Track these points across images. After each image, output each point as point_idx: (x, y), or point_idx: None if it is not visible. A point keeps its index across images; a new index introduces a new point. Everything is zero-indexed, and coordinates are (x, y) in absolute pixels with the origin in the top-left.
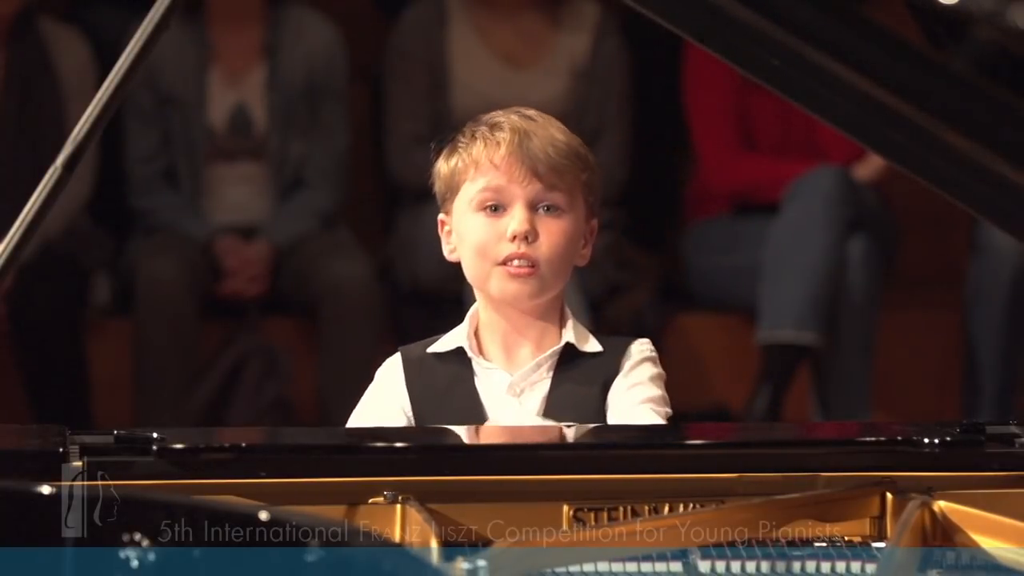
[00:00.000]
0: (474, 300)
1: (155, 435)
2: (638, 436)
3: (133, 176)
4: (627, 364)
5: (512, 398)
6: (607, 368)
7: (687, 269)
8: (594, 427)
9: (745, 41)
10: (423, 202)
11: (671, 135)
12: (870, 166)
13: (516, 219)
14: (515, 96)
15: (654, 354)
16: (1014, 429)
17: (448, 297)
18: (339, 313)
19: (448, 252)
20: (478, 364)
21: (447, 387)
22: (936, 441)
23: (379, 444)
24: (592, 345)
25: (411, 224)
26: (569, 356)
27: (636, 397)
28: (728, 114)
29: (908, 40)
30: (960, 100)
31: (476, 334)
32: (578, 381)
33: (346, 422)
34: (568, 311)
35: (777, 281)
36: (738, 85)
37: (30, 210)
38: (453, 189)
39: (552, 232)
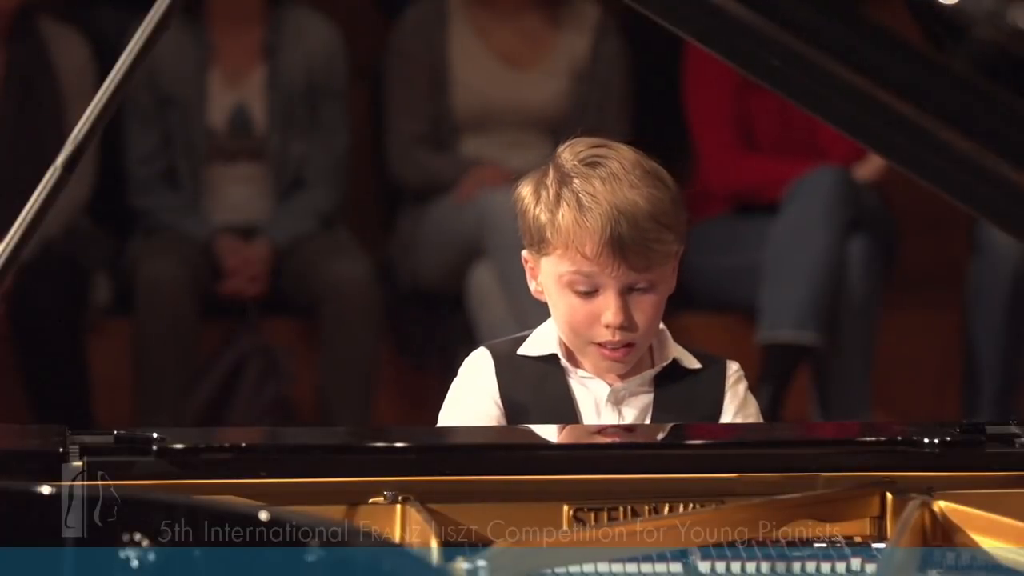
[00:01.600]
0: (474, 300)
1: (155, 435)
2: (638, 436)
3: (133, 176)
4: (732, 395)
5: (612, 407)
6: (709, 389)
7: (687, 269)
8: (594, 427)
9: (745, 41)
10: (423, 202)
11: (671, 135)
12: (870, 166)
13: (610, 310)
14: (515, 96)
15: (746, 380)
16: (1014, 429)
17: (448, 297)
18: (339, 313)
19: (534, 291)
20: (573, 373)
21: (540, 389)
22: (936, 441)
23: (379, 444)
24: (692, 362)
25: (411, 224)
26: (670, 372)
27: (743, 419)
28: (728, 114)
29: (908, 40)
30: (960, 100)
31: (566, 347)
32: (683, 399)
33: (346, 422)
34: (662, 327)
35: (777, 281)
36: (738, 85)
37: (30, 210)
38: (539, 243)
39: (646, 310)
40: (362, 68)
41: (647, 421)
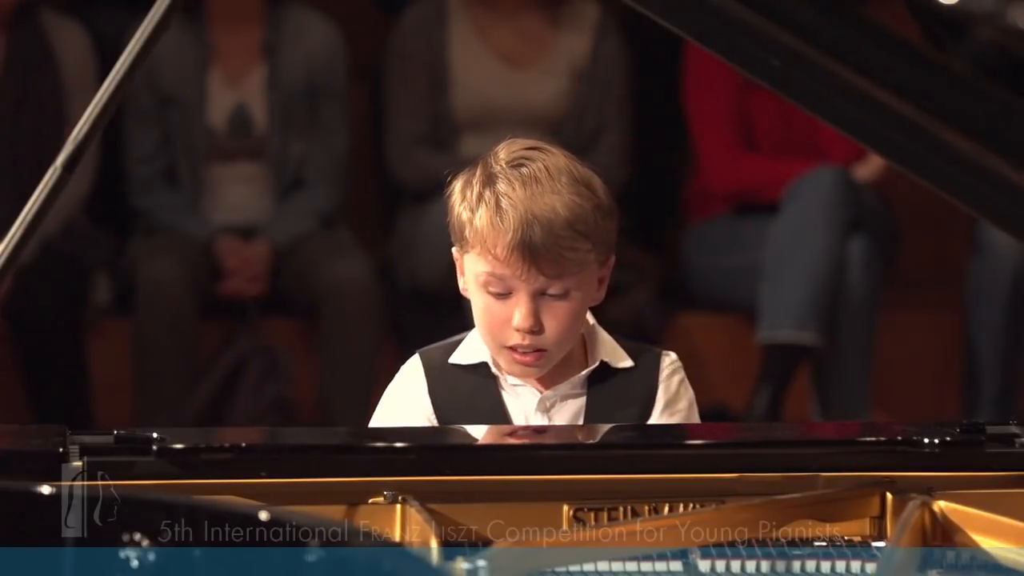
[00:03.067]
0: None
1: (155, 435)
2: (638, 436)
3: (133, 176)
4: (664, 390)
5: (542, 415)
6: (642, 386)
7: (687, 269)
8: (594, 427)
9: (745, 41)
10: (423, 202)
11: (671, 135)
12: (870, 166)
13: (519, 314)
14: (515, 96)
15: (682, 372)
16: (1014, 429)
17: (448, 297)
18: (339, 313)
19: (461, 288)
20: (503, 380)
21: (472, 400)
22: (936, 441)
23: (379, 444)
24: (623, 360)
25: (411, 224)
26: (601, 373)
27: (677, 417)
28: (728, 114)
29: (908, 40)
30: (960, 100)
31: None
32: (615, 399)
33: (346, 422)
34: (593, 324)
35: (777, 281)
36: (738, 85)
37: (30, 210)
38: (460, 241)
39: (558, 317)
40: (362, 68)
41: (581, 419)
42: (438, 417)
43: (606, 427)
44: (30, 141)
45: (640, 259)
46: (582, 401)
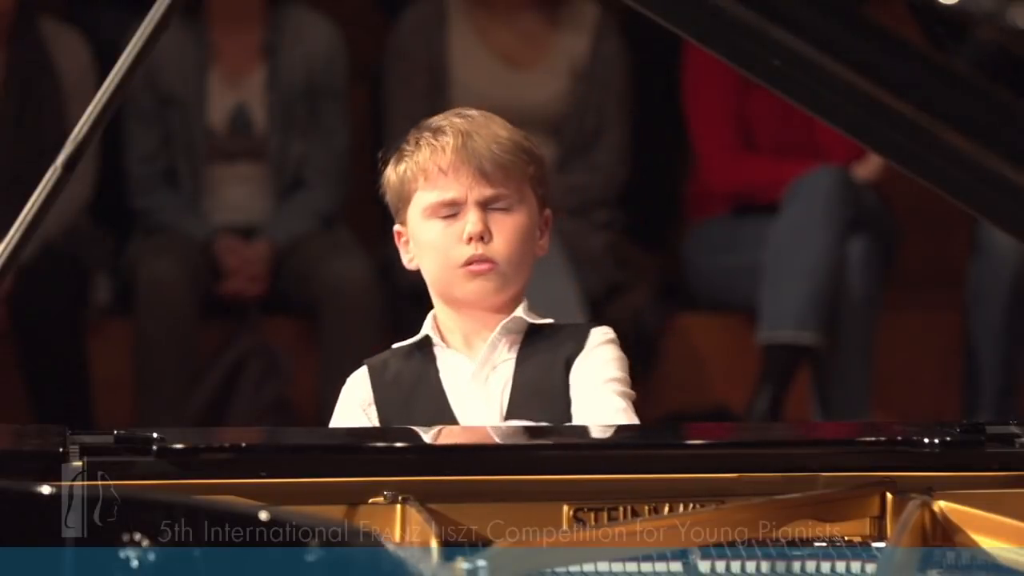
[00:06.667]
0: None
1: (155, 435)
2: (638, 436)
3: (133, 176)
4: (589, 344)
5: (480, 385)
6: (569, 347)
7: (687, 269)
8: (594, 427)
9: (745, 41)
10: None
11: (671, 135)
12: (870, 166)
13: (470, 221)
14: (515, 96)
15: (615, 339)
16: (1014, 429)
17: None
18: (339, 313)
19: (407, 262)
20: (442, 352)
21: (412, 385)
22: (936, 441)
23: (379, 444)
24: (539, 319)
25: None
26: (530, 337)
27: (599, 377)
28: (728, 114)
29: (908, 40)
30: (960, 100)
31: (439, 330)
32: (541, 358)
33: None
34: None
35: (777, 281)
36: (738, 85)
37: (30, 210)
38: (405, 199)
39: (506, 229)
40: (362, 68)
41: (509, 385)
42: (379, 411)
43: (606, 427)
44: (31, 149)
45: (640, 259)
46: (511, 365)
